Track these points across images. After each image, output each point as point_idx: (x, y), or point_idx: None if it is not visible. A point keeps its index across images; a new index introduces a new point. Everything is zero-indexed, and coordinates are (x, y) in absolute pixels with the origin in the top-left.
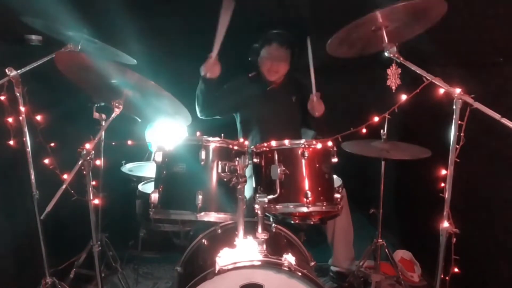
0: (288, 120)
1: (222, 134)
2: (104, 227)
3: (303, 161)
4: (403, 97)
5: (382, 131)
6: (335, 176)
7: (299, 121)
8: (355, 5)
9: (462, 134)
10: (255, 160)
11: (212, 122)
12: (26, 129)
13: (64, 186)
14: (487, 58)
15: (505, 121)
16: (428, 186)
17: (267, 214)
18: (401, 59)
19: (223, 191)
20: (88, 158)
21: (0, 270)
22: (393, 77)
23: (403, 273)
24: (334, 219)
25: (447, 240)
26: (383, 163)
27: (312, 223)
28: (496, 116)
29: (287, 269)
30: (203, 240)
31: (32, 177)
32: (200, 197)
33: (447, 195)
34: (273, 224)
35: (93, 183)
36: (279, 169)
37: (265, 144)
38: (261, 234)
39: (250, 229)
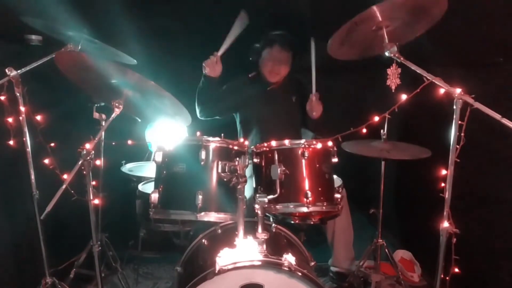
0: (288, 120)
1: (222, 134)
2: (104, 227)
3: (303, 161)
4: (403, 97)
5: (382, 131)
6: (335, 176)
7: (299, 121)
8: (357, 5)
9: (462, 134)
10: (255, 160)
11: (212, 122)
12: (26, 129)
13: (64, 186)
14: (487, 58)
15: (505, 121)
16: (428, 186)
17: (267, 214)
18: (402, 58)
19: (223, 191)
20: (88, 158)
21: (0, 270)
22: (393, 76)
23: (403, 273)
24: (334, 220)
25: (447, 240)
26: (383, 163)
27: (312, 223)
28: (497, 116)
29: (287, 269)
30: (203, 240)
31: (32, 177)
32: (200, 197)
33: (447, 195)
34: (273, 224)
35: (93, 183)
36: (279, 169)
37: (265, 144)
38: (261, 234)
39: (250, 229)
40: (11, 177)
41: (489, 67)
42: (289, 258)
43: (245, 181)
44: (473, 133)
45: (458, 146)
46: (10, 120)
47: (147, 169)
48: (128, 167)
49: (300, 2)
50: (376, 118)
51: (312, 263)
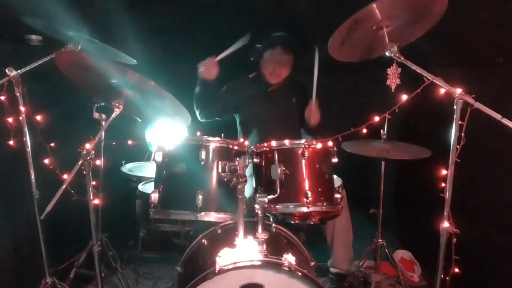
0: (288, 121)
1: (222, 134)
2: (104, 227)
3: (303, 161)
4: (404, 97)
5: (382, 131)
6: (335, 176)
7: (299, 122)
8: (359, 6)
9: (462, 134)
10: (255, 160)
11: (212, 122)
12: (26, 129)
13: (64, 186)
14: (487, 58)
15: (505, 121)
16: (428, 186)
17: (267, 214)
18: (402, 58)
19: (223, 191)
20: (88, 158)
21: (0, 270)
22: (393, 76)
23: (403, 273)
24: (333, 220)
25: (447, 240)
26: (383, 163)
27: (312, 223)
28: (497, 116)
29: (287, 269)
30: (203, 240)
31: (32, 177)
32: (200, 197)
33: (447, 195)
34: (273, 224)
35: (93, 183)
36: (279, 169)
37: (265, 144)
38: (261, 234)
39: (250, 229)
40: (11, 177)
41: (489, 67)
42: (289, 258)
43: (245, 181)
44: (474, 133)
45: (458, 146)
46: (10, 120)
47: (147, 169)
48: (128, 167)
49: (302, 5)
50: (376, 118)
51: (312, 263)
